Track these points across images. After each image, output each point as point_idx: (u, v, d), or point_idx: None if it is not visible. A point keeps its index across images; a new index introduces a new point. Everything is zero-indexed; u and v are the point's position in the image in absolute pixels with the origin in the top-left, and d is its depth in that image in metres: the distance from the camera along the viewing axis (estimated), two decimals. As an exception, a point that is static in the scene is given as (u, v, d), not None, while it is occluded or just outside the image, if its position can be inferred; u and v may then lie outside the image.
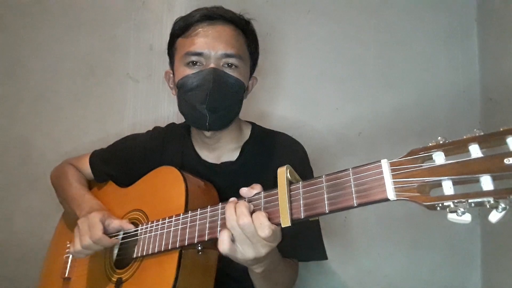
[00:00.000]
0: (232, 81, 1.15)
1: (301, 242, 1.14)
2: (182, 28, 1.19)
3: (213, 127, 1.17)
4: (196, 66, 1.15)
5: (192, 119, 1.21)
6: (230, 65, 1.15)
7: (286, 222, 0.79)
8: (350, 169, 0.74)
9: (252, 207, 0.85)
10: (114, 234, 1.14)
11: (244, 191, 0.89)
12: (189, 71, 1.15)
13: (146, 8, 2.08)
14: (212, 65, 1.12)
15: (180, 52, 1.19)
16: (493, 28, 1.73)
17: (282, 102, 1.94)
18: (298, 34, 1.96)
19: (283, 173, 0.82)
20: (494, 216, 0.61)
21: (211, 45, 1.13)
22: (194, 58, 1.14)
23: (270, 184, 0.87)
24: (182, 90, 1.17)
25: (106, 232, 1.11)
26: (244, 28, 1.22)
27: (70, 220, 1.40)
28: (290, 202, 0.80)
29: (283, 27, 1.96)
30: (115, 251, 1.17)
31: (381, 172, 0.69)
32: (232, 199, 0.88)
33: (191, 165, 1.25)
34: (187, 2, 2.01)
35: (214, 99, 1.12)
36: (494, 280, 1.65)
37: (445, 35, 1.87)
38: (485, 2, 1.80)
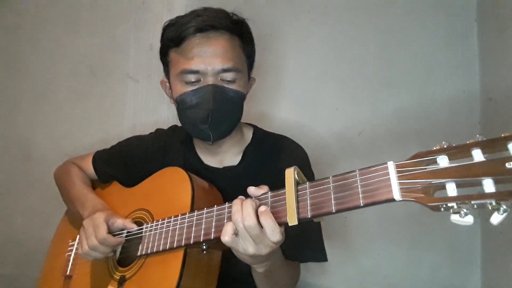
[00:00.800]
0: (232, 95, 1.14)
1: (302, 243, 1.14)
2: (174, 40, 1.16)
3: (216, 139, 1.18)
4: (194, 83, 1.13)
5: (194, 134, 1.22)
6: (228, 79, 1.13)
7: (293, 221, 0.80)
8: (357, 170, 0.76)
9: (258, 202, 0.86)
10: (118, 233, 1.14)
11: (251, 190, 0.90)
12: (186, 88, 1.14)
13: (146, 8, 2.08)
14: (209, 82, 1.11)
15: (175, 67, 1.17)
16: (493, 28, 1.74)
17: (282, 102, 1.95)
18: (298, 34, 1.97)
19: (291, 174, 0.83)
20: (496, 218, 0.62)
21: (207, 61, 1.11)
22: (191, 76, 1.12)
23: (272, 187, 0.88)
24: (182, 106, 1.16)
25: (110, 231, 1.12)
26: (238, 32, 1.19)
27: (72, 218, 1.41)
28: (298, 201, 0.81)
29: (283, 27, 1.97)
30: (119, 249, 1.18)
31: (388, 174, 0.71)
32: (240, 197, 0.89)
33: (193, 169, 1.23)
34: (187, 2, 2.01)
35: (216, 117, 1.12)
36: (494, 280, 1.66)
37: (445, 35, 1.87)
38: (485, 2, 1.80)
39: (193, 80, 1.13)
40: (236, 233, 0.85)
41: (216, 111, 1.11)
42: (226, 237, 0.85)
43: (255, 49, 1.27)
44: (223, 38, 1.14)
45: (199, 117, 1.12)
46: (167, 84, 1.25)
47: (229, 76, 1.13)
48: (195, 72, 1.12)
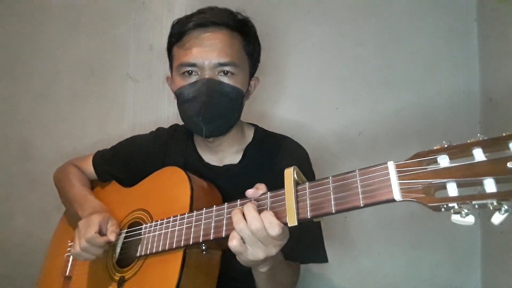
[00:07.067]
0: (228, 90, 1.14)
1: (302, 244, 1.13)
2: (176, 35, 1.18)
3: (212, 135, 1.18)
4: (192, 76, 1.14)
5: (191, 128, 1.23)
6: (225, 73, 1.14)
7: (292, 222, 0.79)
8: (357, 170, 0.75)
9: (256, 203, 0.86)
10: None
11: (250, 193, 0.89)
12: (184, 82, 1.15)
13: (146, 8, 2.08)
14: (206, 76, 1.12)
15: (175, 61, 1.19)
16: (493, 28, 1.74)
17: (282, 102, 1.94)
18: (298, 34, 1.96)
19: (290, 174, 0.82)
20: (497, 218, 0.62)
21: (204, 55, 1.12)
22: (188, 69, 1.14)
23: (272, 187, 0.88)
24: (179, 100, 1.17)
25: (103, 233, 1.12)
26: (240, 29, 1.19)
27: (71, 219, 1.41)
28: (297, 202, 0.81)
29: (283, 27, 1.96)
30: (118, 250, 1.17)
31: (388, 174, 0.70)
32: (236, 208, 0.88)
33: (193, 167, 1.24)
34: (187, 2, 2.01)
35: (209, 111, 1.12)
36: (494, 280, 1.66)
37: (445, 35, 1.87)
38: (485, 2, 1.80)
39: (189, 70, 1.14)
40: (243, 241, 0.84)
41: (209, 104, 1.11)
42: (234, 241, 0.84)
43: (260, 49, 1.27)
44: (222, 33, 1.15)
45: (193, 110, 1.13)
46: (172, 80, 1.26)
47: (226, 69, 1.13)
48: (192, 65, 1.13)
